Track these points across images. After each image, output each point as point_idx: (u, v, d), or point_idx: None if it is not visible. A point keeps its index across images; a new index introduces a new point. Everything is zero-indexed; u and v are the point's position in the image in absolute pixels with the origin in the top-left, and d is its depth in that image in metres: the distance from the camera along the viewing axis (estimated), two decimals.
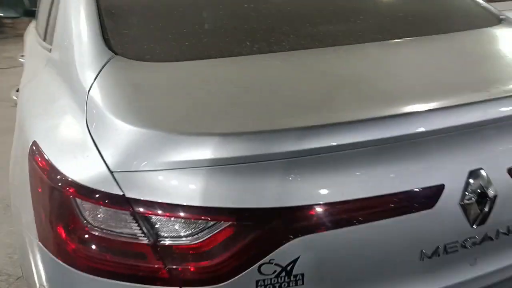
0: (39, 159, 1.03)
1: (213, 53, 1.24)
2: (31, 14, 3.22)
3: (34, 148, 1.08)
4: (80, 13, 1.31)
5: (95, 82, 1.07)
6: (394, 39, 1.39)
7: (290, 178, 0.88)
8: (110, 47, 1.18)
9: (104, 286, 0.92)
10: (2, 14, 3.20)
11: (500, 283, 1.11)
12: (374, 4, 1.71)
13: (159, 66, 1.17)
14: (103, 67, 1.11)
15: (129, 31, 1.31)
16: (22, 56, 3.09)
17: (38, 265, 1.04)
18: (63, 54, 1.34)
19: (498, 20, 1.57)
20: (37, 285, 1.05)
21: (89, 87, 1.06)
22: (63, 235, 0.95)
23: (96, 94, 1.04)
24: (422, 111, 0.96)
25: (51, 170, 0.97)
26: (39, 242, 1.02)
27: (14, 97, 2.39)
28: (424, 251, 0.98)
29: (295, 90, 1.08)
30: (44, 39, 1.82)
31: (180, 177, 0.87)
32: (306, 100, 1.03)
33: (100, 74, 1.09)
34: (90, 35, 1.21)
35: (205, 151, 0.87)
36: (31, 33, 2.63)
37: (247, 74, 1.17)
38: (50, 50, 1.53)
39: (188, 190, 0.87)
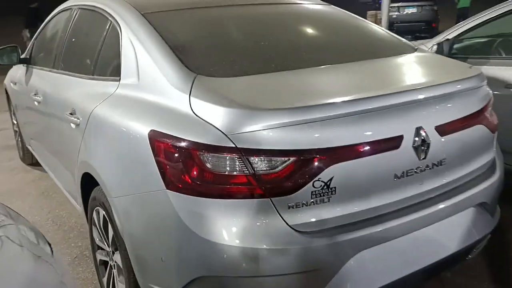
0: (165, 138, 1.66)
1: (248, 71, 1.96)
2: (25, 61, 3.78)
3: (153, 133, 1.71)
4: (154, 49, 1.99)
5: (192, 89, 1.73)
6: (353, 60, 2.18)
7: (327, 132, 1.60)
8: (190, 69, 1.86)
9: (222, 203, 1.57)
10: (1, 63, 3.73)
11: (437, 196, 1.88)
12: (317, 38, 2.52)
13: (230, 79, 1.86)
14: (193, 80, 1.78)
15: (196, 59, 1.99)
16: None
17: (169, 206, 1.65)
18: (145, 81, 1.98)
19: (414, 50, 2.46)
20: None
21: (189, 93, 1.72)
22: (190, 179, 1.59)
23: (197, 95, 1.70)
24: (392, 94, 1.73)
25: (180, 140, 1.61)
26: (167, 191, 1.64)
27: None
28: (396, 174, 1.73)
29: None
30: (93, 74, 2.44)
31: (264, 134, 1.55)
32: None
33: (193, 85, 1.76)
34: (174, 64, 1.88)
35: (273, 120, 1.56)
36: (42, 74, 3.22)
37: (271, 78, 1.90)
38: (118, 80, 2.15)
39: (270, 140, 1.55)
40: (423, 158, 1.78)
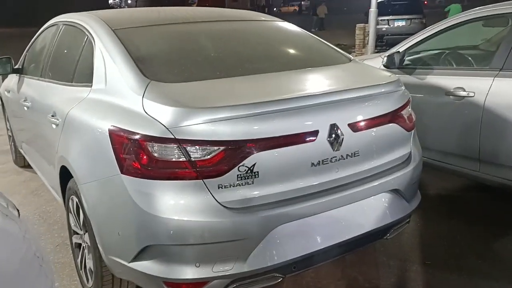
0: (121, 132, 2.03)
1: (197, 77, 2.34)
2: (17, 71, 4.17)
3: (112, 128, 2.08)
4: (119, 60, 2.36)
5: (145, 92, 2.11)
6: (291, 68, 2.55)
7: (250, 126, 1.96)
8: (146, 76, 2.23)
9: (164, 184, 1.93)
10: None
11: (352, 182, 2.24)
12: (261, 50, 2.90)
13: (178, 84, 2.23)
14: (147, 85, 2.15)
15: (153, 67, 2.37)
16: None
17: (123, 188, 2.01)
18: (110, 86, 2.35)
19: (349, 60, 2.84)
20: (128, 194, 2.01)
21: (142, 95, 2.10)
22: (139, 165, 1.96)
23: (148, 97, 2.07)
24: (309, 96, 2.10)
25: (133, 133, 1.98)
26: (122, 175, 2.01)
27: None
28: (312, 162, 2.10)
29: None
30: (72, 81, 2.82)
31: (198, 128, 1.91)
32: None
33: (146, 89, 2.13)
34: (134, 72, 2.26)
35: (206, 116, 1.92)
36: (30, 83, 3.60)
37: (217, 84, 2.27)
38: (90, 86, 2.53)
39: (203, 133, 1.91)
40: (337, 150, 2.14)
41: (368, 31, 12.50)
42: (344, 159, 2.19)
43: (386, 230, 2.38)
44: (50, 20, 3.82)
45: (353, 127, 2.19)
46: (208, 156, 1.93)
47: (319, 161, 2.11)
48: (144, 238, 2.00)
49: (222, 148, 1.93)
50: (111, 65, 2.41)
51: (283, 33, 3.17)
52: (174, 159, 1.93)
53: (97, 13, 3.10)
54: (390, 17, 15.20)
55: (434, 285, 2.66)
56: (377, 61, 4.21)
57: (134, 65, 2.31)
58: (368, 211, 2.29)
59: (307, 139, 2.07)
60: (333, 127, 2.13)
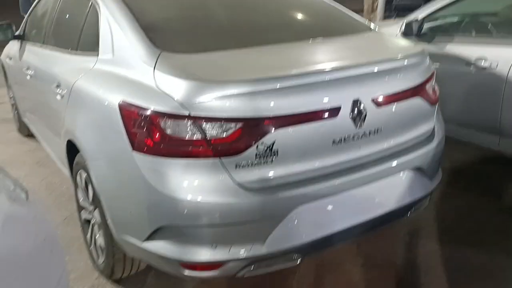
0: (132, 107, 1.91)
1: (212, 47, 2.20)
2: (19, 37, 4.01)
3: (123, 103, 1.96)
4: (126, 27, 2.22)
5: (156, 64, 1.97)
6: (309, 38, 2.41)
7: (270, 102, 1.84)
8: (157, 46, 2.09)
9: (179, 163, 1.82)
10: None
11: (374, 160, 2.13)
12: (277, 18, 2.73)
13: (191, 55, 2.09)
14: (158, 56, 2.02)
15: (163, 36, 2.23)
16: None
17: (134, 165, 1.90)
18: (118, 56, 2.22)
19: (369, 29, 2.68)
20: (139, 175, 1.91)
21: (153, 67, 1.96)
22: (151, 142, 1.85)
23: (160, 69, 1.94)
24: (331, 70, 1.96)
25: (144, 109, 1.86)
26: (133, 152, 1.90)
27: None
28: (334, 140, 1.98)
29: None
30: (76, 49, 2.68)
31: (215, 103, 1.79)
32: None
33: (158, 60, 2.00)
34: (143, 41, 2.12)
35: (223, 91, 1.80)
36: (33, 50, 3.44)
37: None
38: (97, 55, 2.39)
39: (219, 109, 1.79)
40: (360, 127, 2.02)
41: None
42: (367, 136, 2.07)
43: (407, 209, 2.29)
44: None
45: (377, 102, 2.06)
46: (225, 134, 1.82)
47: (341, 138, 2.00)
48: (158, 218, 1.91)
49: (239, 125, 1.82)
50: (118, 33, 2.27)
51: (303, 1, 3.00)
52: (188, 137, 1.82)
53: None
54: None
55: (452, 262, 2.59)
56: (394, 29, 4.03)
57: (143, 34, 2.16)
58: (390, 189, 2.19)
59: (329, 115, 1.95)
60: (356, 103, 2.00)
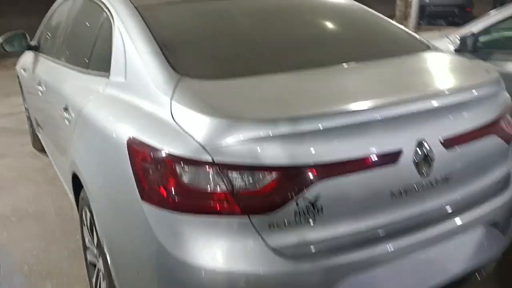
0: (143, 146, 1.54)
1: (241, 72, 1.81)
2: (32, 48, 3.71)
3: (132, 140, 1.59)
4: (142, 46, 1.85)
5: (174, 93, 1.60)
6: (356, 60, 2.00)
7: (314, 146, 1.44)
8: (176, 70, 1.72)
9: (197, 220, 1.44)
10: (9, 50, 3.66)
11: (441, 216, 1.70)
12: (319, 35, 2.32)
13: (217, 82, 1.72)
14: (178, 82, 1.65)
15: (184, 58, 1.85)
16: None
17: (143, 218, 1.53)
18: (131, 80, 1.85)
19: (427, 47, 2.26)
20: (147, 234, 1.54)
21: (171, 97, 1.59)
22: (165, 192, 1.47)
23: (178, 100, 1.57)
24: (390, 105, 1.56)
25: (157, 150, 1.49)
26: (142, 202, 1.53)
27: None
28: (393, 192, 1.57)
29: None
30: (87, 67, 2.33)
31: (245, 147, 1.41)
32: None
33: (176, 88, 1.63)
34: (160, 64, 1.75)
35: (256, 132, 1.41)
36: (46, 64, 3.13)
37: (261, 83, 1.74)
38: (108, 76, 2.03)
39: (251, 154, 1.41)
40: (425, 175, 1.61)
41: (411, 1, 11.58)
42: (433, 185, 1.65)
43: (478, 272, 1.86)
44: None
45: (447, 143, 1.64)
46: (257, 186, 1.43)
47: (401, 190, 1.59)
48: (171, 287, 1.53)
49: (275, 175, 1.43)
50: (132, 52, 1.90)
51: (343, 12, 2.58)
52: (210, 188, 1.43)
53: None
54: None
55: None
56: (442, 43, 3.59)
57: (160, 54, 1.80)
58: (458, 251, 1.76)
59: (387, 161, 1.55)
60: (421, 145, 1.59)
